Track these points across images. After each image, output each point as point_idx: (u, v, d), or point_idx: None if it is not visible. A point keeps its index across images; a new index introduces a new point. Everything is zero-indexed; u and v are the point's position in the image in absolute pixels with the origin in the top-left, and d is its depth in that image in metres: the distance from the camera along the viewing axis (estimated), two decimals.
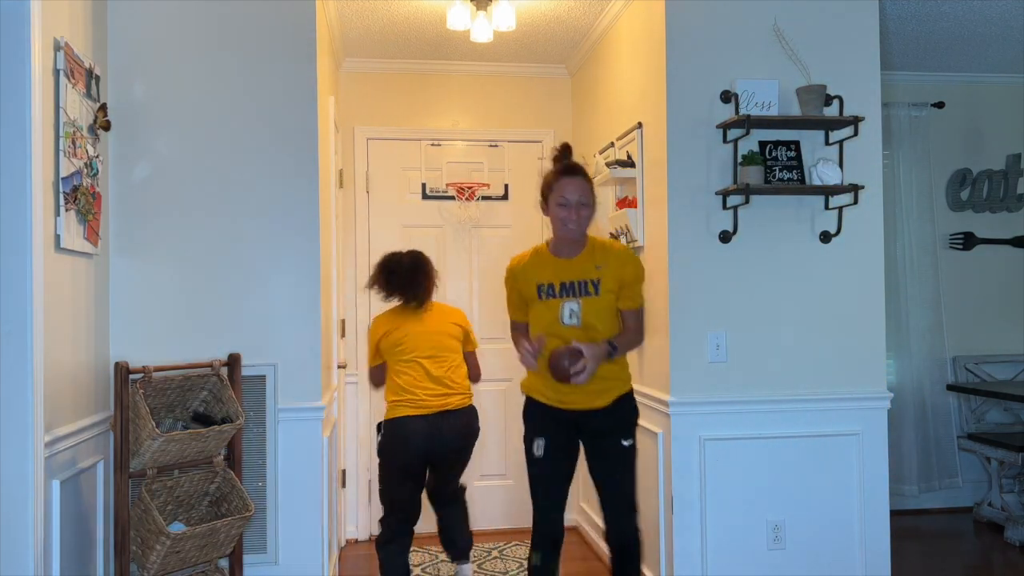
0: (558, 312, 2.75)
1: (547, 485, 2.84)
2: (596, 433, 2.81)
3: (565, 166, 2.80)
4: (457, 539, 3.59)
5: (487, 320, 4.77)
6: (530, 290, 2.82)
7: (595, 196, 2.80)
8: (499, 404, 4.76)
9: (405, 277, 3.41)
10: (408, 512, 3.39)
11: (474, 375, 3.59)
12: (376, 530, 4.63)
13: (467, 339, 3.55)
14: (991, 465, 4.66)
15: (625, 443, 2.81)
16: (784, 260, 3.25)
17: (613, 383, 2.80)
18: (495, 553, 4.28)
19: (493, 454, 4.74)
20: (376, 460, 3.46)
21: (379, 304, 4.73)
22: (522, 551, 4.32)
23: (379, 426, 3.41)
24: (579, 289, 2.75)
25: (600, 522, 4.25)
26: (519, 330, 2.93)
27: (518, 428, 4.73)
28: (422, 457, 3.33)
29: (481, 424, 5.03)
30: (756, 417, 3.20)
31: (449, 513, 3.60)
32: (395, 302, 3.46)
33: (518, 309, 2.93)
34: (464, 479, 4.59)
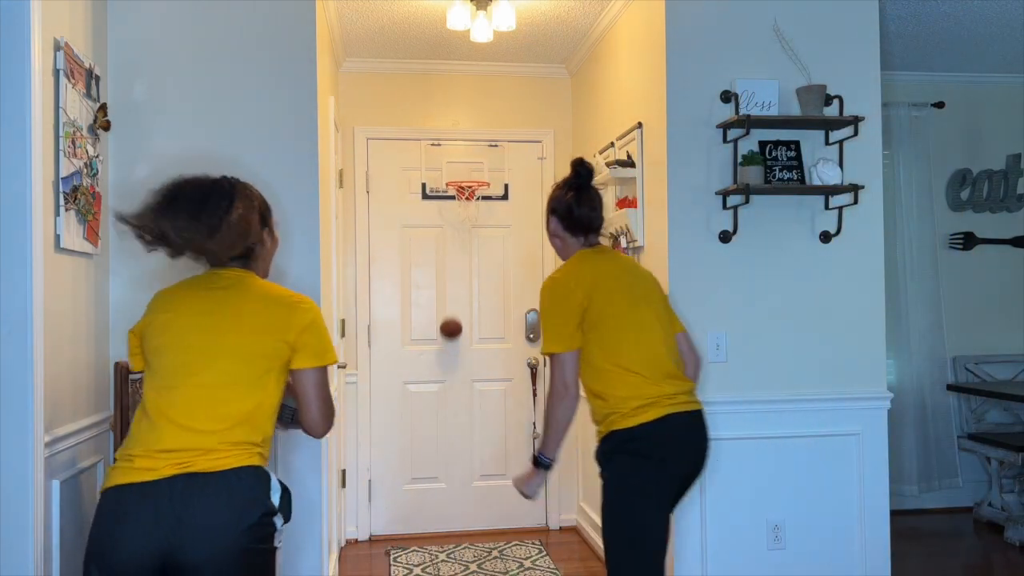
0: None
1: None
2: None
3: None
4: None
5: (487, 320, 4.77)
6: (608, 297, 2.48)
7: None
8: (499, 403, 4.76)
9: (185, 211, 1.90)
10: None
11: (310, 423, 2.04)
12: (375, 530, 4.64)
13: (301, 353, 1.96)
14: (991, 465, 4.67)
15: (601, 476, 2.51)
16: (784, 260, 3.24)
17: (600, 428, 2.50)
18: (495, 553, 4.28)
19: (493, 454, 4.74)
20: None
21: (382, 303, 4.75)
22: (522, 551, 4.32)
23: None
24: None
25: (599, 519, 4.25)
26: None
27: (518, 428, 4.76)
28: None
29: (481, 424, 5.04)
30: (756, 417, 3.20)
31: None
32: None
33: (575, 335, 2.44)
34: (464, 479, 4.58)
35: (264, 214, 2.09)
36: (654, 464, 2.33)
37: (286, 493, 1.96)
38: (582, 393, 2.49)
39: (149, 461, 1.79)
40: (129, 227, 1.90)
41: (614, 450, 2.38)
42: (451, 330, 4.59)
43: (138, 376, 2.77)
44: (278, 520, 1.90)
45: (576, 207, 2.50)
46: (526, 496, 2.58)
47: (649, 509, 2.31)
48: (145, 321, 1.99)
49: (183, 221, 1.88)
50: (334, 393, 2.71)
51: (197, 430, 1.82)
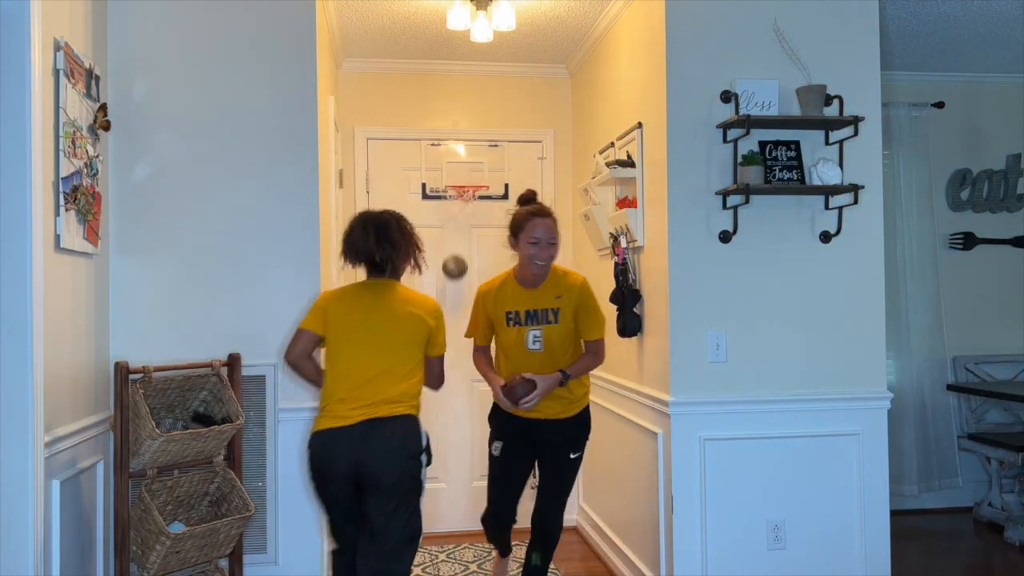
0: (524, 338, 3.12)
1: (500, 485, 3.28)
2: (548, 442, 3.17)
3: (537, 208, 3.17)
4: None
5: None
6: (499, 316, 3.17)
7: (559, 235, 3.19)
8: None
9: (370, 240, 2.71)
10: (343, 545, 2.74)
11: (432, 383, 2.90)
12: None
13: (433, 341, 2.81)
14: (991, 465, 4.67)
15: (572, 456, 3.18)
16: (784, 260, 3.24)
17: (567, 403, 3.14)
18: (495, 553, 4.28)
19: None
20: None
21: None
22: (522, 551, 4.31)
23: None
24: (542, 317, 3.12)
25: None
26: (481, 353, 3.29)
27: None
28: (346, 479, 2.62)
29: (481, 424, 5.03)
30: (756, 417, 3.20)
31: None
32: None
33: (483, 332, 3.26)
34: (464, 479, 4.58)
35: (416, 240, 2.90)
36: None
37: (428, 441, 2.73)
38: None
39: (344, 410, 2.62)
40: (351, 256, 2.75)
41: (588, 425, 3.24)
42: (455, 269, 4.68)
43: (138, 376, 2.77)
44: (423, 458, 2.67)
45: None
46: (521, 393, 2.99)
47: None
48: (331, 309, 2.72)
49: (388, 247, 2.73)
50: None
51: (379, 389, 2.64)
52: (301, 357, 2.74)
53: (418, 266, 2.83)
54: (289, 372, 2.88)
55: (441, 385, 2.93)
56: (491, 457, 3.28)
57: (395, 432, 2.61)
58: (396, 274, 2.79)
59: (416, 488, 2.65)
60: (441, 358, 2.86)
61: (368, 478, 2.58)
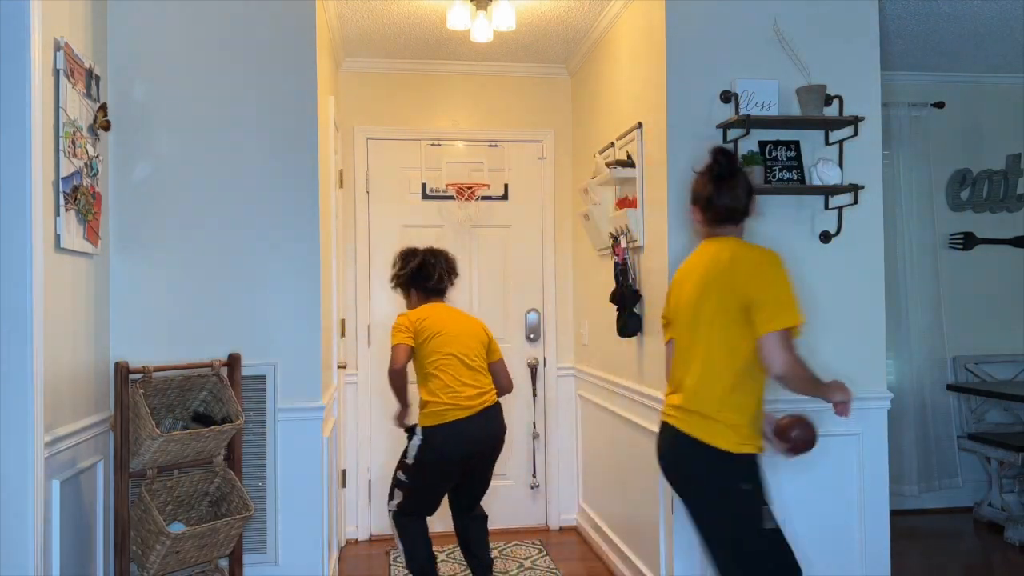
0: None
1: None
2: None
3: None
4: (482, 554, 3.47)
5: (487, 320, 4.75)
6: None
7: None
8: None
9: (441, 269, 3.47)
10: (433, 511, 3.39)
11: (507, 385, 3.47)
12: (375, 530, 4.64)
13: (491, 348, 3.45)
14: (991, 465, 4.66)
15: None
16: (784, 260, 3.23)
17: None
18: (495, 553, 4.28)
19: None
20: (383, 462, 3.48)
21: (382, 303, 4.75)
22: (522, 551, 4.32)
23: (414, 430, 3.32)
24: None
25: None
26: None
27: (518, 428, 4.75)
28: (467, 461, 3.30)
29: None
30: None
31: (477, 526, 3.48)
32: (414, 300, 3.48)
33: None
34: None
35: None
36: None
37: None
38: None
39: (467, 401, 3.25)
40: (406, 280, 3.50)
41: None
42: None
43: (138, 376, 2.77)
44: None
45: (716, 198, 2.47)
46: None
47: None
48: (428, 329, 3.32)
49: (453, 277, 3.57)
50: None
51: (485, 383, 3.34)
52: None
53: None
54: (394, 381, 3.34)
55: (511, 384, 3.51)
56: (768, 530, 2.38)
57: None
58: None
59: None
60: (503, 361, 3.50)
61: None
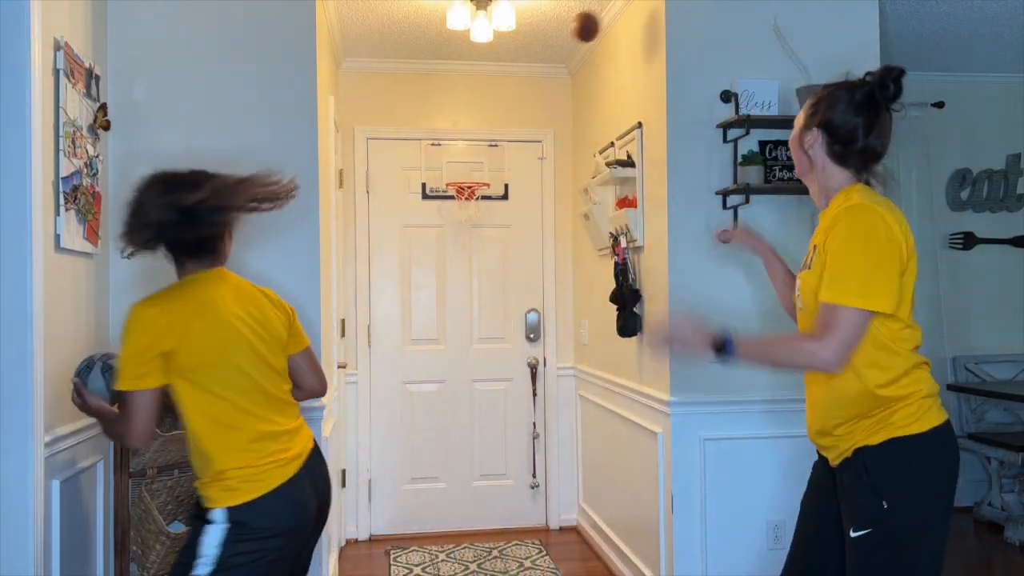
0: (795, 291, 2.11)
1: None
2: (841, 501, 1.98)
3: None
4: None
5: (487, 320, 4.77)
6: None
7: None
8: (499, 403, 4.75)
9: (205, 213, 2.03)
10: None
11: (317, 385, 2.31)
12: (375, 530, 4.64)
13: (294, 332, 2.22)
14: (991, 465, 4.66)
15: (853, 534, 1.86)
16: (783, 260, 3.23)
17: (838, 435, 1.94)
18: (495, 553, 4.28)
19: (493, 454, 4.74)
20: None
21: (382, 303, 4.75)
22: (522, 551, 4.32)
23: (205, 517, 1.96)
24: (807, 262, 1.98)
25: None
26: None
27: (518, 428, 4.75)
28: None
29: (481, 424, 5.05)
30: (756, 417, 3.20)
31: None
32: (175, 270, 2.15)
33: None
34: (464, 479, 4.58)
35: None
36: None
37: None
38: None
39: (283, 452, 2.05)
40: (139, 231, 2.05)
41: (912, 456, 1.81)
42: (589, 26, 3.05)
43: None
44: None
45: (864, 136, 1.91)
46: (663, 341, 2.06)
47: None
48: (177, 339, 1.97)
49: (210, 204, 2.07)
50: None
51: (286, 418, 2.12)
52: None
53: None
54: None
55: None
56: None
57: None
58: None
59: None
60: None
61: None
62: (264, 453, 1.99)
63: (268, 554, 1.95)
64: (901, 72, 1.88)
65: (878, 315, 1.78)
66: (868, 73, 1.98)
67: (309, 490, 2.09)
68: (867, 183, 1.95)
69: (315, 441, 2.20)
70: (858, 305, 1.75)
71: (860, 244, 1.77)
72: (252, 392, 2.02)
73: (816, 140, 1.94)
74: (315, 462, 2.15)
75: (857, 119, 1.91)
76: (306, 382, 2.29)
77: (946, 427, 1.85)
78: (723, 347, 1.94)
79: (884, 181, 1.94)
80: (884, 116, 1.93)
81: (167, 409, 2.97)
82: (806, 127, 1.97)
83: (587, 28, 2.35)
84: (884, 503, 1.80)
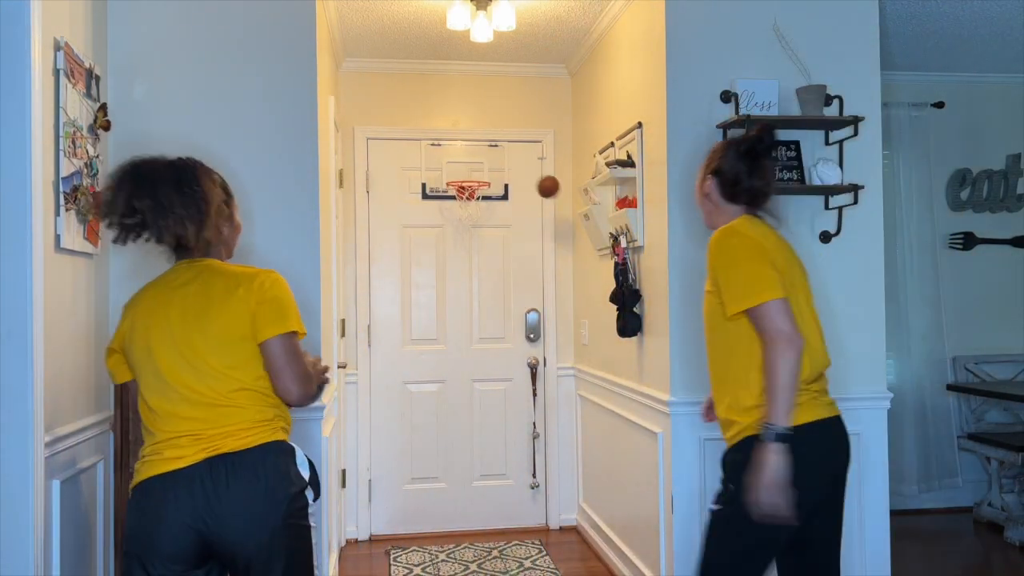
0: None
1: None
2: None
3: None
4: None
5: (487, 320, 4.77)
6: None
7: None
8: (499, 403, 4.75)
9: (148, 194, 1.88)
10: None
11: (288, 387, 1.96)
12: (375, 530, 4.64)
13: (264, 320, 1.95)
14: (991, 465, 4.66)
15: (713, 506, 2.23)
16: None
17: (733, 420, 2.23)
18: (495, 553, 4.28)
19: (493, 454, 4.74)
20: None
21: (382, 303, 4.75)
22: (522, 551, 4.32)
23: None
24: None
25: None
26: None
27: (518, 428, 4.76)
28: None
29: (481, 424, 5.04)
30: None
31: None
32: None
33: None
34: (464, 479, 4.55)
35: (227, 196, 2.13)
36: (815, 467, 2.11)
37: (312, 467, 1.99)
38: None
39: (176, 451, 1.86)
40: (110, 218, 1.92)
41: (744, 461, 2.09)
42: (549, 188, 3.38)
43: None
44: (309, 494, 1.95)
45: (747, 178, 2.27)
46: (774, 508, 2.03)
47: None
48: (123, 333, 2.04)
49: (169, 198, 1.89)
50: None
51: (211, 417, 1.89)
52: None
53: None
54: None
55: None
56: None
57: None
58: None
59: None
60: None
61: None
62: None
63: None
64: (772, 128, 2.31)
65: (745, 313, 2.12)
66: (749, 131, 2.39)
67: (173, 506, 1.80)
68: (759, 216, 2.31)
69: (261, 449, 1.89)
70: (757, 303, 2.09)
71: (730, 258, 2.16)
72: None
73: (712, 185, 2.33)
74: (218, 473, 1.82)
75: (741, 165, 2.28)
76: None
77: (809, 426, 2.10)
78: (775, 438, 2.04)
79: (774, 214, 2.35)
80: (763, 163, 2.30)
81: None
82: (704, 177, 2.36)
83: (547, 188, 2.59)
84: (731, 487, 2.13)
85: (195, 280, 1.99)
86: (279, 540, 1.85)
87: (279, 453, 1.92)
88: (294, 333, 1.97)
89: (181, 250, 2.04)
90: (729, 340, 2.22)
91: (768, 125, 2.32)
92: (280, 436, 1.95)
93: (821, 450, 2.15)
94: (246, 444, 1.87)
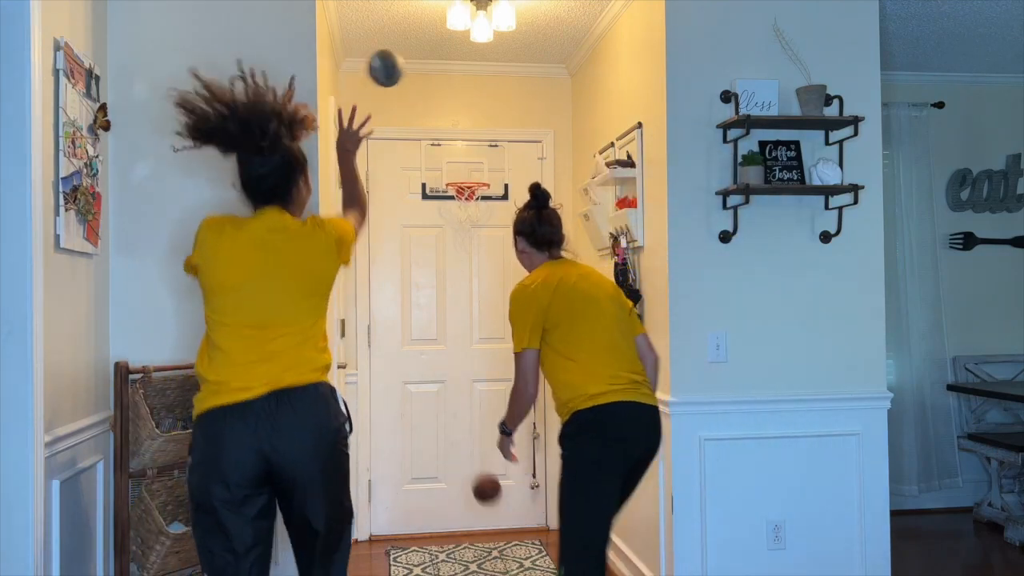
0: None
1: None
2: None
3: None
4: None
5: (487, 320, 4.77)
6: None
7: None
8: (499, 403, 4.75)
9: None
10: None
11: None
12: (375, 530, 4.64)
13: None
14: (991, 465, 4.66)
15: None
16: (784, 260, 3.24)
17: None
18: (495, 553, 4.29)
19: (493, 454, 4.73)
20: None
21: (382, 303, 4.75)
22: (522, 551, 4.32)
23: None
24: None
25: None
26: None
27: (518, 428, 4.74)
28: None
29: (481, 424, 5.03)
30: (756, 417, 3.20)
31: None
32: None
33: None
34: (464, 479, 4.51)
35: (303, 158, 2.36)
36: (607, 441, 2.57)
37: (346, 404, 2.30)
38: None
39: (243, 381, 2.06)
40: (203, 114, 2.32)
41: (575, 431, 2.61)
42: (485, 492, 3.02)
43: (138, 376, 2.77)
44: (347, 426, 2.23)
45: (538, 226, 2.81)
46: (506, 457, 2.89)
47: (599, 481, 2.58)
48: (206, 254, 2.18)
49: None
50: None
51: (277, 351, 2.11)
52: None
53: None
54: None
55: None
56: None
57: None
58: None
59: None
60: None
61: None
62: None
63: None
64: (538, 185, 2.91)
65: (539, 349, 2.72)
66: (529, 191, 2.92)
67: (242, 434, 2.02)
68: (556, 258, 2.82)
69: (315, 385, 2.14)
70: (516, 351, 2.72)
71: (510, 312, 2.72)
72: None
73: (520, 241, 2.85)
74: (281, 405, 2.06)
75: (531, 218, 2.83)
76: None
77: (587, 413, 2.56)
78: (503, 430, 2.84)
79: (570, 251, 2.89)
80: (545, 213, 2.83)
81: (167, 409, 2.98)
82: (515, 239, 2.88)
83: (483, 492, 2.85)
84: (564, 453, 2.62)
85: (285, 228, 2.21)
86: (330, 463, 2.13)
87: (328, 391, 2.18)
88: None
89: (265, 197, 2.26)
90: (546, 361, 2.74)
91: (536, 183, 2.91)
92: (326, 377, 2.20)
93: (612, 425, 2.59)
94: (303, 381, 2.11)
